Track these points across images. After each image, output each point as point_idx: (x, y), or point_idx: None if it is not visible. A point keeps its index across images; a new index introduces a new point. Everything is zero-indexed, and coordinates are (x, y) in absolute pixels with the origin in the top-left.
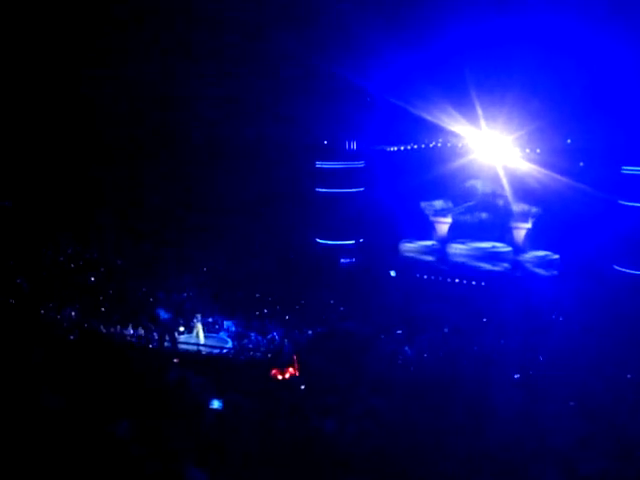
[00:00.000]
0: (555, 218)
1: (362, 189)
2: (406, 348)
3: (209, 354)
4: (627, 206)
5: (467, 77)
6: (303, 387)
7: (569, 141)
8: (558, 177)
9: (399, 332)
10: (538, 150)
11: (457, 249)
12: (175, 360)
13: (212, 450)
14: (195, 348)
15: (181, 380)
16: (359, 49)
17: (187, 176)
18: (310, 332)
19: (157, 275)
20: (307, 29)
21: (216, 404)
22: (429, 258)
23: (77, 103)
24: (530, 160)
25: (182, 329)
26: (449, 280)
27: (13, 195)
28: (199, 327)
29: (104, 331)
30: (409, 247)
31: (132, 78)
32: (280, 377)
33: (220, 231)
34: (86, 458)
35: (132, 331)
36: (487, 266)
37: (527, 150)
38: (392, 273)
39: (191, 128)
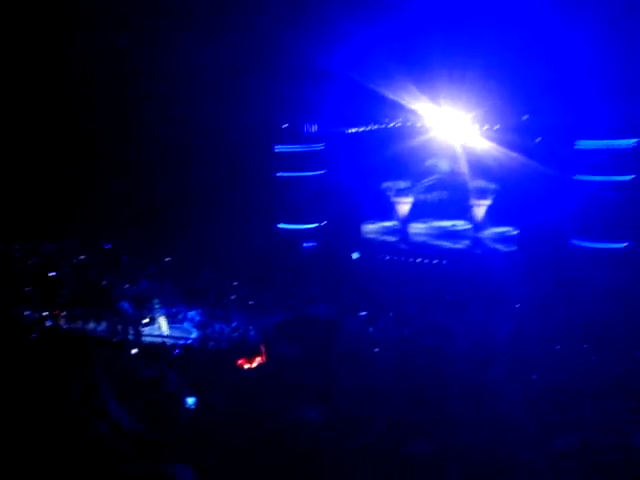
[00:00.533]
0: (513, 194)
1: (323, 172)
2: (370, 329)
3: (174, 345)
4: (582, 181)
5: (426, 55)
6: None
7: (525, 117)
8: (515, 154)
9: (364, 313)
10: (496, 127)
11: (418, 228)
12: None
13: (195, 446)
14: (159, 340)
15: (157, 377)
16: (318, 26)
17: (142, 161)
18: (275, 318)
19: (118, 267)
20: (266, 3)
21: (190, 401)
22: (391, 238)
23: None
24: (488, 138)
25: (146, 320)
26: (411, 260)
27: None
28: (161, 318)
29: (66, 327)
30: (371, 228)
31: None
32: (247, 366)
33: (181, 219)
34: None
35: (95, 325)
36: (448, 244)
37: (485, 127)
38: (354, 255)
39: (144, 106)
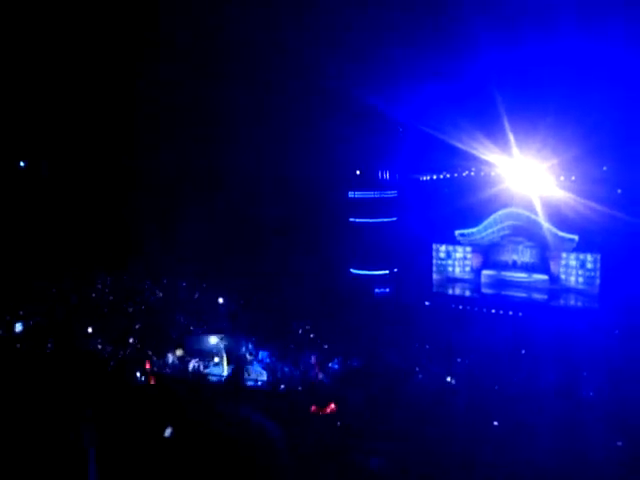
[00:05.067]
0: (593, 246)
1: (395, 218)
2: (442, 378)
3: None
4: None
5: (499, 104)
6: (339, 424)
7: (605, 168)
8: (595, 205)
9: (434, 363)
10: (573, 177)
11: (492, 278)
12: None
13: None
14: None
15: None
16: (391, 78)
17: (220, 205)
18: (346, 363)
19: (191, 306)
20: (340, 57)
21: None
22: (463, 287)
23: None
24: (565, 188)
25: (216, 360)
26: (484, 310)
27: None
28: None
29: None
30: (443, 276)
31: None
32: (318, 412)
33: (254, 261)
34: None
35: (169, 361)
36: (522, 295)
37: (562, 178)
38: (427, 303)
39: (217, 157)
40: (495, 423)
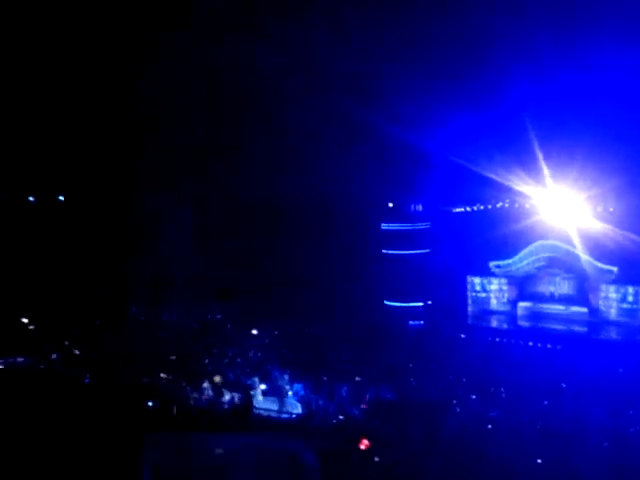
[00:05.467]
0: (634, 279)
1: (428, 250)
2: (479, 413)
3: (277, 419)
4: None
5: (534, 134)
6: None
7: None
8: (634, 236)
9: (473, 397)
10: (611, 209)
11: (528, 310)
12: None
13: None
14: (264, 412)
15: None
16: (421, 110)
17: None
18: (381, 397)
19: (225, 336)
20: (368, 90)
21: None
22: (500, 319)
23: None
24: (603, 219)
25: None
26: (521, 343)
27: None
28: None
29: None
30: (478, 309)
31: None
32: (352, 447)
33: (290, 294)
34: None
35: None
36: (561, 328)
37: (599, 209)
38: (462, 335)
39: (244, 187)
40: (539, 461)
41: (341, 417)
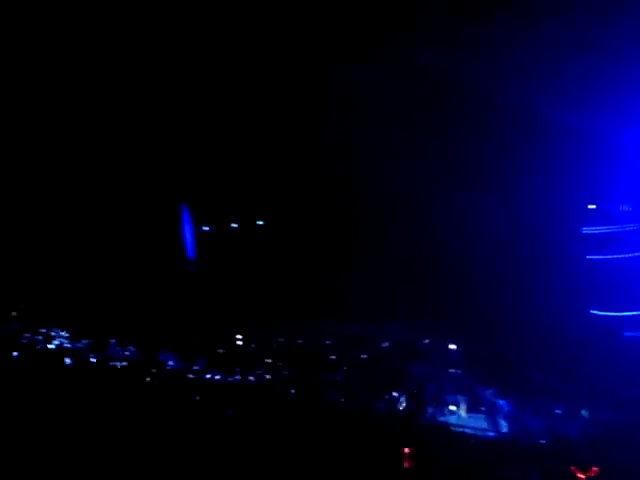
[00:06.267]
0: None
1: (637, 254)
2: None
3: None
4: None
5: None
6: None
7: None
8: None
9: None
10: None
11: None
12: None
13: None
14: (469, 430)
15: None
16: (624, 108)
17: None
18: (598, 417)
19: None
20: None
21: None
22: None
23: None
24: None
25: (452, 408)
26: None
27: None
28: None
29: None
30: None
31: None
32: (582, 476)
33: (487, 301)
34: None
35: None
36: None
37: None
38: None
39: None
40: None
41: (551, 437)
